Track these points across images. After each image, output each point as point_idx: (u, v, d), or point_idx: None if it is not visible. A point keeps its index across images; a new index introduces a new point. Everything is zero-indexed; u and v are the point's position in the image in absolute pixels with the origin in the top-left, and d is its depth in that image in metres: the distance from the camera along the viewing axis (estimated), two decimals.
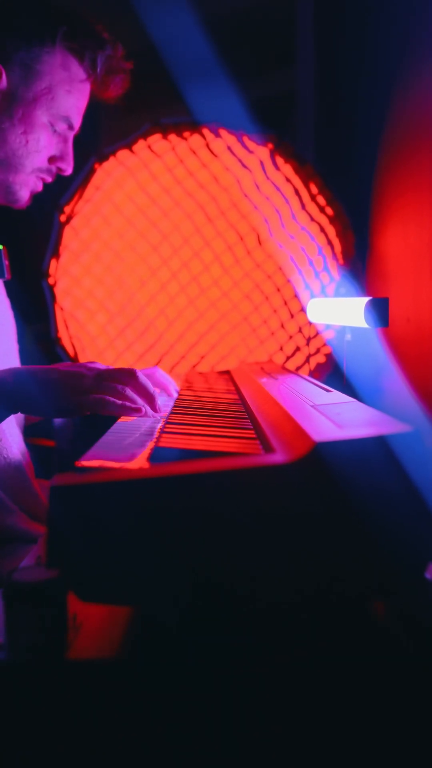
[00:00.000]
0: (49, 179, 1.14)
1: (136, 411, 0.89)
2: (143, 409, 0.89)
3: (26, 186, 1.12)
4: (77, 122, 1.14)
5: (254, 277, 1.73)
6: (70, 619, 0.56)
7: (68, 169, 1.15)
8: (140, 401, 0.90)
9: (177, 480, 0.55)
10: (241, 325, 1.74)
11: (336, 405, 0.80)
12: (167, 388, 1.15)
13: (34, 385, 0.92)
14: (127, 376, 0.92)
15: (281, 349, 1.75)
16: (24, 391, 0.92)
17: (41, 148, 1.10)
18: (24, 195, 1.13)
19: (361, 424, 0.66)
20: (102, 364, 0.96)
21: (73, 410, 0.91)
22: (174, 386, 1.16)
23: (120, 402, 0.89)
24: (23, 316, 1.35)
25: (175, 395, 1.13)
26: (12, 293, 1.27)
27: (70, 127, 1.13)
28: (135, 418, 0.90)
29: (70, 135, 1.14)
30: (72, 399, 0.90)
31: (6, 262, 1.17)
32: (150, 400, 0.91)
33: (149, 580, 0.55)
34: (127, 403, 0.89)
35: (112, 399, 0.89)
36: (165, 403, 1.01)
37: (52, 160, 1.13)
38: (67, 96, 1.10)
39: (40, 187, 1.14)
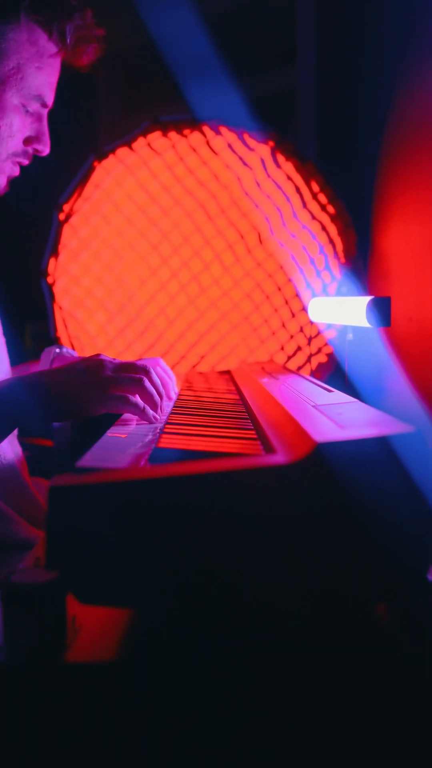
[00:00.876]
0: (25, 162, 1.10)
1: (155, 419, 0.89)
2: (159, 417, 0.89)
3: (2, 173, 1.08)
4: (50, 98, 1.09)
5: (255, 276, 1.73)
6: (69, 621, 0.57)
7: (45, 149, 1.10)
8: (156, 398, 0.91)
9: (177, 481, 0.55)
10: (242, 325, 1.74)
11: (337, 405, 0.80)
12: (167, 387, 1.12)
13: (36, 397, 0.90)
14: (142, 372, 0.92)
15: (282, 348, 1.75)
16: (24, 404, 0.90)
17: (15, 132, 1.05)
18: (1, 182, 1.09)
19: (362, 425, 0.66)
20: (108, 357, 0.95)
21: (89, 410, 0.90)
22: (174, 385, 1.13)
23: (143, 404, 0.89)
24: (21, 314, 1.35)
25: (174, 397, 1.11)
26: (7, 290, 1.27)
27: (44, 104, 1.08)
28: (144, 419, 0.90)
29: (44, 113, 1.09)
30: (83, 397, 0.89)
31: None
32: (160, 399, 0.92)
33: (149, 581, 0.55)
34: (149, 409, 0.89)
35: (134, 399, 0.89)
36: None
37: (27, 141, 1.08)
38: (38, 73, 1.05)
39: (17, 171, 1.10)
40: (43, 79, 1.05)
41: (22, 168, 1.11)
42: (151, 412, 0.90)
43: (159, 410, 0.91)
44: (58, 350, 1.23)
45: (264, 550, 0.55)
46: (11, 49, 1.02)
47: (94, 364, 0.92)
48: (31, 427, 0.96)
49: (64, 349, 1.24)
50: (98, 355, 0.94)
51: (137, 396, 0.91)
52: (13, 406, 0.91)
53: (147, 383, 0.91)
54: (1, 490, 1.04)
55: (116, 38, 1.16)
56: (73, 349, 1.71)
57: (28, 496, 1.08)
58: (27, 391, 0.91)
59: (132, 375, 0.91)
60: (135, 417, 0.93)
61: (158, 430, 0.83)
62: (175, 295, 1.72)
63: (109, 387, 0.90)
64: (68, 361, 1.21)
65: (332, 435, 0.59)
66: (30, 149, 1.09)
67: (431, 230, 1.38)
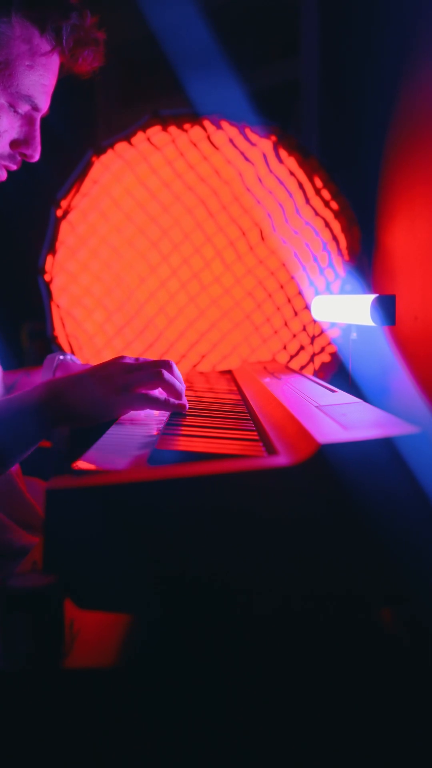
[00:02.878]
0: (13, 167, 1.07)
1: (181, 407, 0.92)
2: (186, 405, 0.92)
3: None
4: (43, 102, 1.05)
5: (257, 273, 1.73)
6: (67, 627, 0.57)
7: (34, 155, 1.06)
8: (178, 387, 0.93)
9: (176, 483, 0.55)
10: (244, 324, 1.74)
11: (341, 406, 0.80)
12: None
13: (72, 395, 0.92)
14: (161, 365, 0.94)
15: (285, 348, 1.75)
16: (64, 402, 0.92)
17: (1, 132, 1.02)
18: None
19: (367, 426, 0.66)
20: (129, 357, 0.96)
21: (115, 413, 0.92)
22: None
23: (164, 397, 0.91)
24: (18, 313, 1.35)
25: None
26: (2, 288, 1.27)
27: (35, 107, 1.04)
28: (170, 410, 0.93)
29: (37, 116, 1.06)
30: (109, 400, 0.90)
31: None
32: (179, 396, 0.94)
33: (149, 586, 0.55)
34: (172, 399, 0.91)
35: (155, 394, 0.91)
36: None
37: (15, 144, 1.05)
38: (29, 72, 1.01)
39: (3, 176, 1.07)
40: (34, 79, 1.02)
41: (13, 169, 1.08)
42: (175, 401, 0.92)
43: (183, 398, 0.94)
44: (61, 357, 1.23)
45: (266, 554, 0.55)
46: (1, 43, 0.99)
47: (113, 367, 0.94)
48: (72, 423, 0.97)
49: (68, 356, 1.24)
50: (116, 358, 0.95)
51: (159, 390, 0.93)
52: (39, 418, 0.92)
53: (167, 375, 0.93)
54: None
55: (115, 30, 1.15)
56: (71, 348, 1.71)
57: (22, 502, 1.07)
58: (51, 401, 0.92)
59: (150, 370, 0.93)
60: (135, 418, 0.93)
61: (158, 432, 0.83)
62: (175, 293, 1.72)
63: (131, 387, 0.91)
64: (71, 368, 1.21)
65: (336, 436, 0.59)
66: (17, 154, 1.06)
67: None
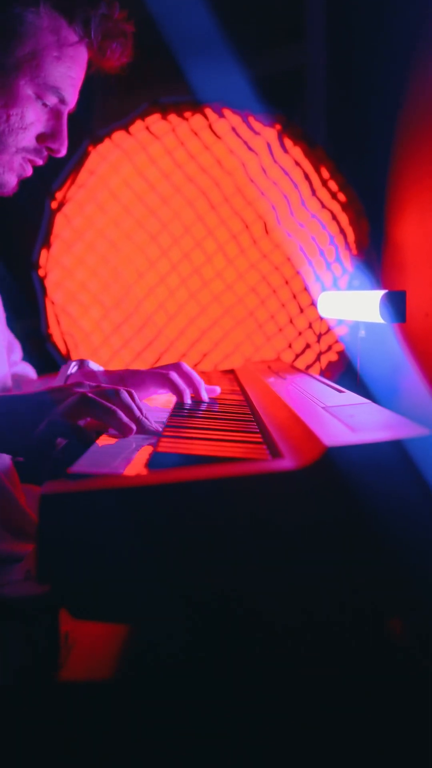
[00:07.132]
0: (39, 161, 1.08)
1: (128, 429, 0.80)
2: (134, 427, 0.81)
3: (11, 170, 1.06)
4: (70, 95, 1.07)
5: (261, 268, 1.73)
6: (62, 638, 0.57)
7: (61, 149, 1.08)
8: (136, 413, 0.83)
9: (177, 487, 0.55)
10: (247, 321, 1.74)
11: (349, 407, 0.80)
12: (198, 391, 1.06)
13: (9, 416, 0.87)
14: (112, 395, 0.84)
15: (290, 346, 1.75)
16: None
17: (27, 125, 1.03)
18: (9, 179, 1.07)
19: (375, 427, 0.66)
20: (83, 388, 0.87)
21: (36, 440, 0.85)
22: (204, 386, 1.07)
23: (105, 403, 0.81)
24: (12, 310, 1.35)
25: (206, 397, 1.06)
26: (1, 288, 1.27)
27: (63, 101, 1.06)
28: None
29: (64, 110, 1.07)
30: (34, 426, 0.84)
31: None
32: (137, 421, 0.83)
33: (147, 596, 0.55)
34: (119, 412, 0.80)
35: (93, 396, 0.81)
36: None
37: (41, 138, 1.06)
38: (57, 63, 1.03)
39: (28, 171, 1.09)
40: (62, 71, 1.04)
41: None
42: (122, 417, 0.81)
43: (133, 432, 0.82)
44: (75, 366, 1.19)
45: (269, 562, 0.55)
46: (29, 33, 1.01)
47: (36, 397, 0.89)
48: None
49: (87, 363, 1.18)
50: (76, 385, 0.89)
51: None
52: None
53: (92, 398, 0.82)
54: None
55: None
56: (67, 346, 1.71)
57: (17, 511, 1.07)
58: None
59: (74, 391, 0.85)
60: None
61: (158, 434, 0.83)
62: (175, 289, 1.73)
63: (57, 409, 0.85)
64: (83, 376, 1.18)
65: (343, 438, 0.59)
66: (44, 148, 1.07)
67: None
